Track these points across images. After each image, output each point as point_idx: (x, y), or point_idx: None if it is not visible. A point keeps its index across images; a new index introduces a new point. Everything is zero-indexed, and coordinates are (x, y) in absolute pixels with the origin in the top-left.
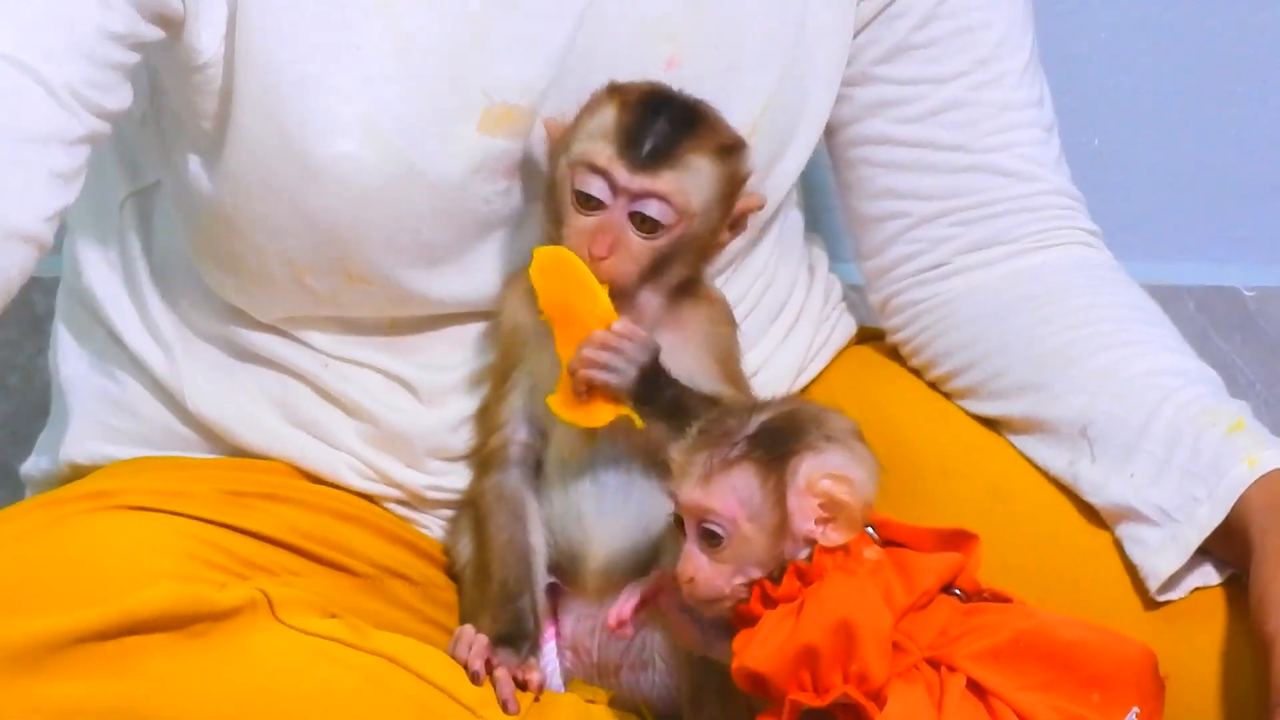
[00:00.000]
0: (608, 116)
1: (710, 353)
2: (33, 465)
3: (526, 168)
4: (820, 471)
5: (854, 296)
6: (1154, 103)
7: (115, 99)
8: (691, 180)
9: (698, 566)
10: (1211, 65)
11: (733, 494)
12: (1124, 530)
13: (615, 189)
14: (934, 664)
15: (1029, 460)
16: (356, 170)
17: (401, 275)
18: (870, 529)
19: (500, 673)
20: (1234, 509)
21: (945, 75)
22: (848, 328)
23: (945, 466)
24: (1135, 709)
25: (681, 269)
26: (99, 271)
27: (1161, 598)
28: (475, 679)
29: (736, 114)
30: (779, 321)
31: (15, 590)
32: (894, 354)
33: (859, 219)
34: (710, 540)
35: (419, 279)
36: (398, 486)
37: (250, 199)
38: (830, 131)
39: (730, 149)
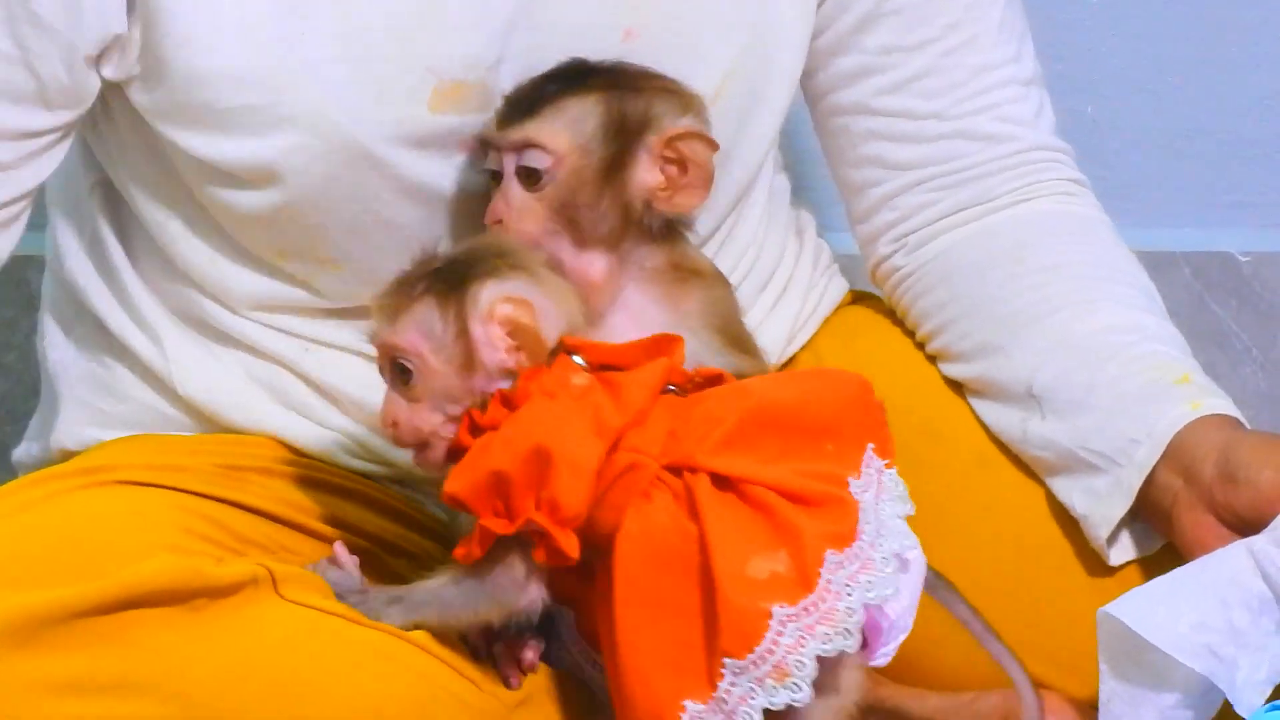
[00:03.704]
0: None
1: (710, 326)
2: (24, 452)
3: None
4: (500, 296)
5: (845, 264)
6: (1147, 68)
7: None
8: (559, 119)
9: (396, 409)
10: (1205, 30)
11: (415, 327)
12: (1074, 482)
13: (499, 151)
14: (675, 470)
15: (983, 424)
16: (308, 160)
17: (372, 258)
18: (577, 357)
19: (498, 648)
20: (1172, 447)
21: (917, 42)
22: (838, 291)
23: (933, 431)
24: (870, 445)
25: (600, 217)
26: (79, 260)
27: (1115, 560)
28: (475, 653)
29: (698, 82)
30: (768, 289)
31: (12, 565)
32: (890, 315)
33: (844, 185)
34: (402, 378)
35: (391, 261)
36: (390, 465)
37: (200, 199)
38: (812, 100)
39: (615, 86)
